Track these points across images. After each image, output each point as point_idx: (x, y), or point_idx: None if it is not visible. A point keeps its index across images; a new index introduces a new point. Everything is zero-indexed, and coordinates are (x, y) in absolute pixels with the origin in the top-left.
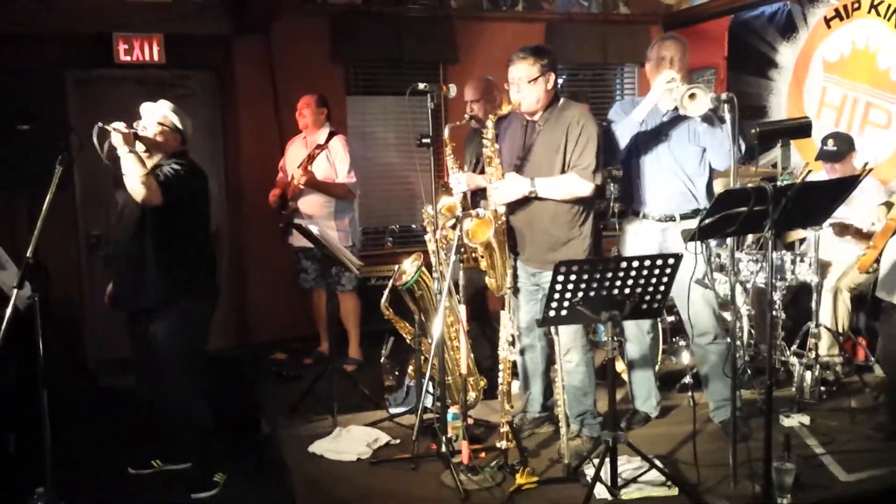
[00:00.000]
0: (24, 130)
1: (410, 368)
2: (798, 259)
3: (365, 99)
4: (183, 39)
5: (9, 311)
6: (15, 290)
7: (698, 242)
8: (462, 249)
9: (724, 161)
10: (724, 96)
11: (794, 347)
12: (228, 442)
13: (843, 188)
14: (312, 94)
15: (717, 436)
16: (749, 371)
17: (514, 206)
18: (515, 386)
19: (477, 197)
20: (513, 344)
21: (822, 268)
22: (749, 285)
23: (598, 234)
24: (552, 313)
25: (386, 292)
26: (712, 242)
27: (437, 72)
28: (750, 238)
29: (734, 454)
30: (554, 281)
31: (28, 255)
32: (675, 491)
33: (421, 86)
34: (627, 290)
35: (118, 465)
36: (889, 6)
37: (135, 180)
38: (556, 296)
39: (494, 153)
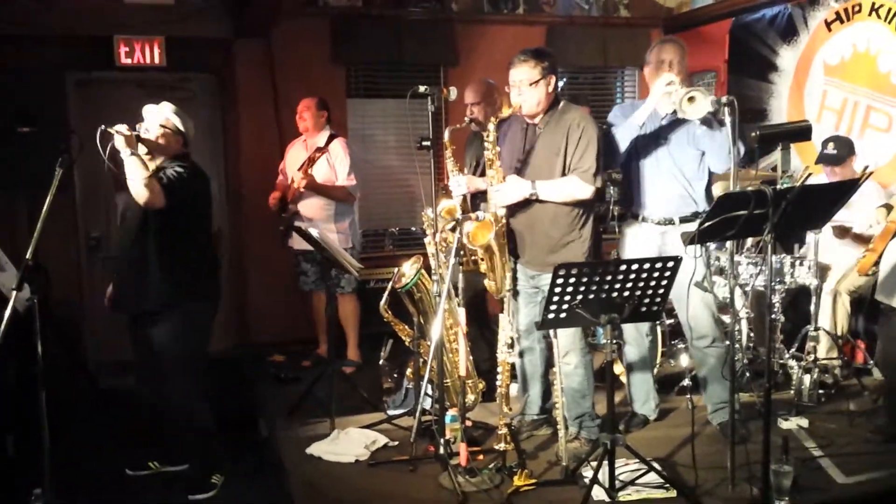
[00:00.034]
0: (25, 132)
1: (409, 371)
2: (797, 262)
3: (365, 101)
4: (184, 42)
5: (8, 312)
6: (14, 292)
7: (697, 245)
8: (462, 252)
9: (722, 164)
10: (724, 99)
11: (792, 350)
12: (227, 443)
13: (842, 192)
14: (312, 97)
15: (716, 438)
16: (747, 374)
17: (514, 209)
18: (514, 388)
19: (477, 200)
20: (512, 346)
21: (822, 271)
22: (748, 288)
23: (598, 236)
24: (551, 316)
25: (385, 294)
26: (712, 245)
27: (438, 74)
28: (749, 241)
29: (732, 457)
30: (553, 284)
31: (27, 256)
32: (673, 493)
33: (421, 88)
34: (627, 293)
35: (117, 466)
36: (890, 9)
37: (138, 183)
38: (556, 299)
39: (496, 156)
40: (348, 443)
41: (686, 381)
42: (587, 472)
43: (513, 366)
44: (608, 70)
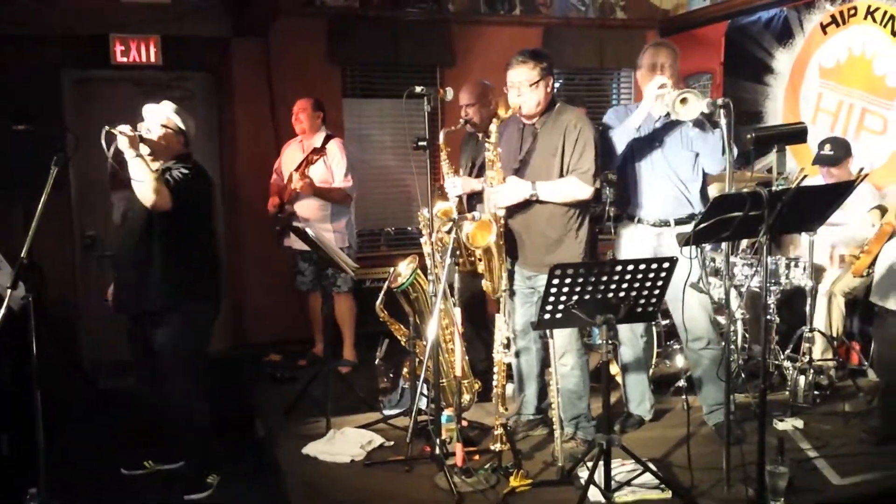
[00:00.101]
0: (20, 130)
1: (405, 370)
2: (792, 263)
3: (362, 101)
4: (180, 41)
5: (2, 311)
6: (9, 291)
7: (693, 246)
8: (458, 253)
9: (716, 166)
10: (720, 101)
11: (788, 351)
12: (223, 443)
13: (838, 194)
14: (308, 98)
15: (711, 439)
16: (743, 375)
17: (511, 210)
18: (510, 389)
19: (473, 200)
20: (508, 346)
21: (817, 272)
22: (743, 289)
23: (594, 237)
24: (547, 316)
25: (381, 294)
26: (707, 247)
27: (434, 75)
28: (745, 242)
29: (728, 457)
30: (549, 284)
31: (23, 255)
32: (668, 494)
33: (418, 89)
34: (622, 294)
35: (112, 465)
36: (885, 13)
37: (145, 186)
38: (552, 299)
39: (496, 157)
40: (344, 443)
41: (681, 382)
42: (583, 473)
43: (509, 366)
44: (604, 71)
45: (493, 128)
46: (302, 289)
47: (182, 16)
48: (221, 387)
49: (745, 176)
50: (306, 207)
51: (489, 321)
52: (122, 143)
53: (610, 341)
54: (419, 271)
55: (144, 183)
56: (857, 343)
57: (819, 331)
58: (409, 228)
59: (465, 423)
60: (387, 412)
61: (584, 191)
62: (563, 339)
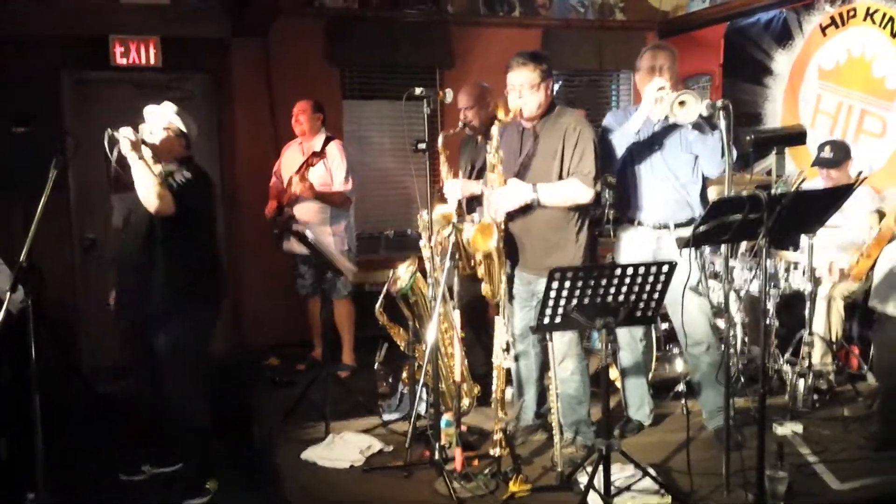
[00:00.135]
0: (20, 132)
1: (404, 375)
2: (792, 267)
3: (361, 103)
4: (180, 42)
5: (1, 314)
6: (8, 294)
7: (692, 249)
8: (457, 256)
9: (715, 168)
10: (719, 103)
11: (787, 355)
12: (222, 447)
13: (837, 197)
14: (308, 100)
15: (711, 444)
16: (742, 379)
17: (511, 213)
18: (509, 393)
19: (472, 203)
20: (507, 351)
21: (816, 276)
22: (742, 293)
23: (593, 240)
24: (546, 320)
25: (380, 298)
26: (706, 250)
27: (434, 76)
28: (744, 245)
29: (727, 462)
30: (548, 287)
31: (21, 258)
32: (668, 499)
33: (417, 91)
34: (622, 298)
35: (111, 470)
36: (885, 14)
37: (149, 192)
38: (551, 302)
39: (498, 160)
40: (343, 448)
41: (681, 387)
42: (582, 478)
43: (508, 370)
44: (604, 73)
45: (494, 131)
46: (302, 293)
47: (181, 17)
48: (220, 390)
49: (745, 178)
50: (305, 210)
51: (489, 325)
52: (125, 146)
53: (609, 346)
54: (418, 274)
55: (148, 188)
56: (856, 347)
57: (818, 335)
58: (409, 231)
59: (464, 428)
60: (386, 417)
61: (585, 194)
62: (563, 344)
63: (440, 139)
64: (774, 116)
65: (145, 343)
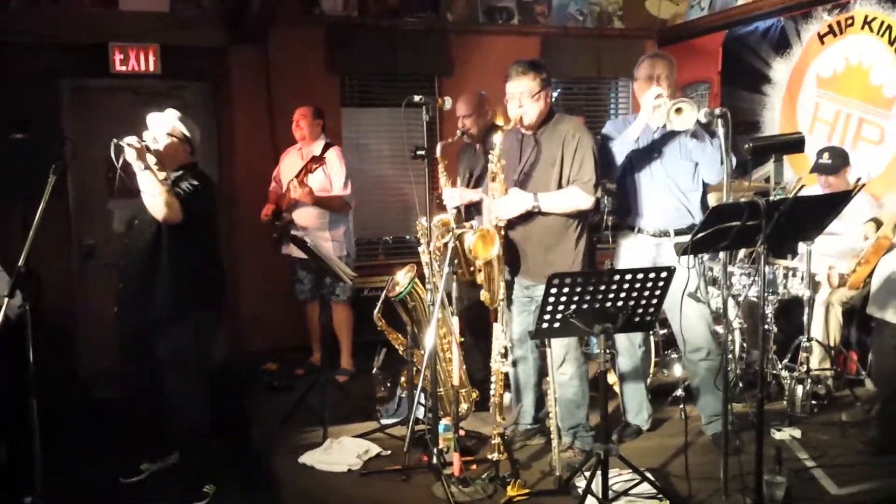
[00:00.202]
0: (19, 139)
1: (402, 379)
2: (790, 273)
3: (360, 111)
4: (179, 49)
5: None
6: (6, 300)
7: (691, 256)
8: (456, 262)
9: (715, 176)
10: (717, 111)
11: (785, 361)
12: (219, 451)
13: (835, 203)
14: (309, 106)
15: (709, 449)
16: (741, 384)
17: (511, 220)
18: (507, 398)
19: (471, 211)
20: (505, 356)
21: (814, 282)
22: (741, 299)
23: (592, 246)
24: (545, 325)
25: (379, 303)
26: (705, 256)
27: (433, 84)
28: (742, 252)
29: (725, 467)
30: (547, 293)
31: (20, 263)
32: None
33: (416, 98)
34: (620, 304)
35: (108, 474)
36: (882, 23)
37: (157, 200)
38: (550, 308)
39: (500, 169)
40: (341, 452)
41: (679, 392)
42: (580, 483)
43: (506, 375)
44: (602, 81)
45: (496, 140)
46: (300, 297)
47: (181, 24)
48: (218, 394)
49: (743, 185)
50: (304, 215)
51: (488, 330)
52: (130, 155)
53: (608, 351)
54: (417, 280)
55: (155, 197)
56: (854, 352)
57: (816, 340)
58: (408, 237)
59: (462, 433)
60: (384, 421)
61: (585, 201)
62: (562, 349)
63: (438, 148)
64: (772, 124)
65: (146, 346)
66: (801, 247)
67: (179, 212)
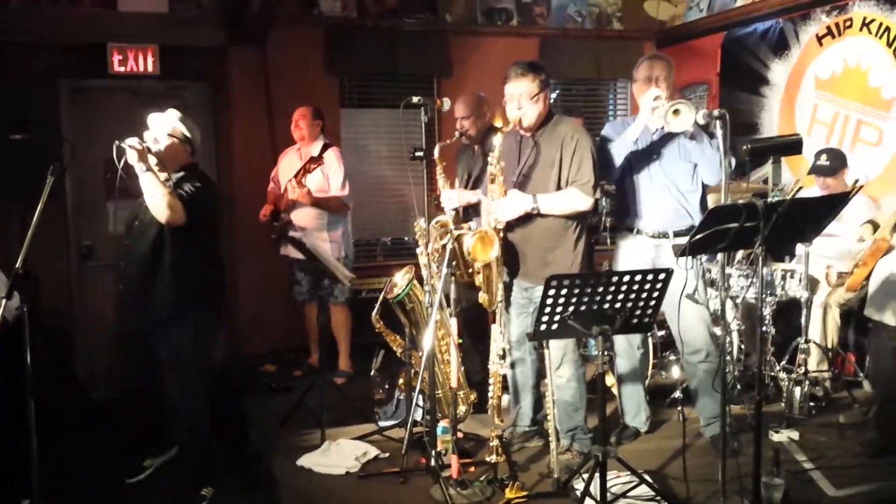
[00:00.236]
0: (17, 140)
1: (400, 381)
2: (788, 275)
3: (358, 111)
4: (178, 50)
5: None
6: (4, 301)
7: (689, 258)
8: (455, 264)
9: (714, 176)
10: (716, 112)
11: (783, 363)
12: (218, 453)
13: (833, 205)
14: (308, 106)
15: (707, 451)
16: (739, 386)
17: (510, 222)
18: (505, 400)
19: (469, 212)
20: (503, 358)
21: (812, 283)
22: (739, 300)
23: (590, 248)
24: (543, 327)
25: (377, 305)
26: (703, 258)
27: (431, 85)
28: (740, 253)
29: (723, 469)
30: (545, 295)
31: (18, 265)
32: None
33: (415, 99)
34: (618, 305)
35: (107, 475)
36: (881, 24)
37: (160, 202)
38: (548, 310)
39: (500, 171)
40: (339, 454)
41: (677, 394)
42: (579, 485)
43: (504, 377)
44: (601, 82)
45: (495, 141)
46: (298, 299)
47: (180, 25)
48: (216, 396)
49: (742, 187)
50: (303, 216)
51: (486, 332)
52: (132, 157)
53: (606, 353)
54: (415, 282)
55: (157, 199)
56: (852, 354)
57: (814, 342)
58: (406, 239)
59: (460, 435)
60: (382, 423)
61: (584, 202)
62: (559, 351)
63: (437, 150)
64: (771, 126)
65: (145, 347)
66: (800, 248)
67: (182, 214)
